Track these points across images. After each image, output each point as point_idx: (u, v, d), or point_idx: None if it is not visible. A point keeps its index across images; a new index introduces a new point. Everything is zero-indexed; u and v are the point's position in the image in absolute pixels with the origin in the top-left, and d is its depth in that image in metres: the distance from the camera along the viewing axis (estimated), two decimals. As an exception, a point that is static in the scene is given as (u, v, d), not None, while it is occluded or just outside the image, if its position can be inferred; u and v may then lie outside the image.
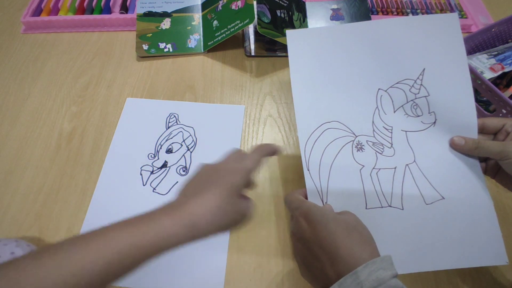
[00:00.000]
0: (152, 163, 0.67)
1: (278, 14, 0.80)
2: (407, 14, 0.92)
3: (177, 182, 0.65)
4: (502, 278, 0.56)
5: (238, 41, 0.87)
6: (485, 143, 0.46)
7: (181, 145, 0.70)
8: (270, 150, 0.46)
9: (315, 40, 0.51)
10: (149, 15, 0.86)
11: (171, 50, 0.84)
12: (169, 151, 0.69)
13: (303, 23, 0.87)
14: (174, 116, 0.73)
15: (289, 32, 0.51)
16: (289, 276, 0.56)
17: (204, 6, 0.88)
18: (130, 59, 0.84)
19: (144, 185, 0.65)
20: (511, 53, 0.73)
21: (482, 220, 0.47)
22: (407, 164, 0.49)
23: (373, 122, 0.50)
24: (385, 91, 0.50)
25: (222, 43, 0.81)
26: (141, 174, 0.66)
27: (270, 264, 0.57)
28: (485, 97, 0.65)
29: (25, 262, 0.30)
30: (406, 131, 0.49)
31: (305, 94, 0.50)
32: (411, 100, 0.49)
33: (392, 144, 0.49)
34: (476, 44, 0.77)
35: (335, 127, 0.50)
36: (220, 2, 0.83)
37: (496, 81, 0.73)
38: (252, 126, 0.73)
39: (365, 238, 0.41)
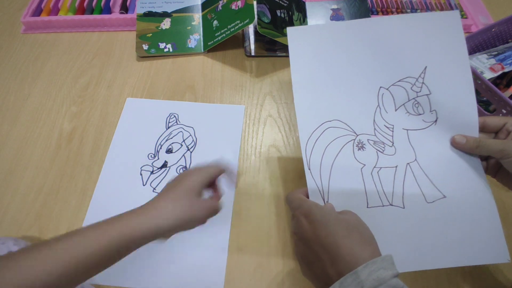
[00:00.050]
0: (152, 163, 0.67)
1: (278, 14, 0.80)
2: (407, 14, 0.92)
3: (177, 182, 0.65)
4: (503, 277, 0.56)
5: (238, 41, 0.87)
6: (486, 141, 0.46)
7: (181, 145, 0.70)
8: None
9: (316, 37, 0.51)
10: (149, 15, 0.86)
11: (171, 50, 0.84)
12: (169, 151, 0.69)
13: (303, 23, 0.87)
14: (174, 116, 0.73)
15: (290, 29, 0.51)
16: (289, 276, 0.56)
17: (204, 6, 0.88)
18: (130, 59, 0.84)
19: (144, 185, 0.65)
20: (511, 53, 0.73)
21: (484, 218, 0.47)
22: (408, 163, 0.49)
23: (374, 120, 0.49)
24: (387, 89, 0.50)
25: (222, 43, 0.81)
26: (141, 174, 0.66)
27: (270, 264, 0.57)
28: (485, 97, 0.65)
29: (2, 261, 0.35)
30: (407, 130, 0.49)
31: (305, 92, 0.50)
32: (413, 99, 0.49)
33: (393, 143, 0.49)
34: (476, 44, 0.77)
35: (336, 126, 0.50)
36: (220, 2, 0.83)
37: (496, 81, 0.73)
38: (252, 126, 0.73)
39: (366, 238, 0.41)
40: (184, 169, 0.67)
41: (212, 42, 0.82)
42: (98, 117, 0.74)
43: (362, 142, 0.49)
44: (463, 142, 0.47)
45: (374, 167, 0.49)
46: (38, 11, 0.91)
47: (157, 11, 0.87)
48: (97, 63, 0.83)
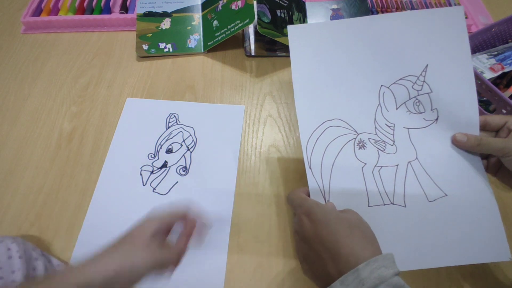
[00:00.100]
0: (152, 163, 0.67)
1: (278, 14, 0.80)
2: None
3: (177, 182, 0.65)
4: (503, 277, 0.56)
5: (238, 41, 0.87)
6: (487, 140, 0.46)
7: (181, 145, 0.70)
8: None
9: (317, 35, 0.51)
10: (149, 15, 0.86)
11: (171, 50, 0.84)
12: (169, 151, 0.69)
13: (303, 23, 0.87)
14: (174, 116, 0.73)
15: (290, 28, 0.51)
16: (289, 276, 0.56)
17: (204, 6, 0.88)
18: (130, 59, 0.84)
19: (144, 185, 0.65)
20: (511, 53, 0.73)
21: (485, 216, 0.47)
22: (409, 162, 0.49)
23: (375, 119, 0.49)
24: (388, 87, 0.50)
25: (222, 43, 0.81)
26: (141, 174, 0.66)
27: (271, 264, 0.57)
28: (485, 97, 0.65)
29: None
30: (408, 128, 0.49)
31: (306, 91, 0.50)
32: (414, 97, 0.49)
33: (394, 142, 0.49)
34: (476, 44, 0.77)
35: (337, 125, 0.49)
36: (220, 2, 0.83)
37: (496, 81, 0.73)
38: (252, 126, 0.73)
39: (367, 237, 0.41)
40: (184, 169, 0.67)
41: (212, 42, 0.82)
42: (98, 117, 0.74)
43: (363, 141, 0.49)
44: (464, 140, 0.47)
45: (375, 166, 0.49)
46: (38, 11, 0.91)
47: (157, 11, 0.87)
48: (97, 63, 0.83)
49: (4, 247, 0.48)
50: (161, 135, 0.71)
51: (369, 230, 0.42)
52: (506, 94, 0.67)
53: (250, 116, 0.74)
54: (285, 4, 0.83)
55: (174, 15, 0.87)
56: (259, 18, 0.75)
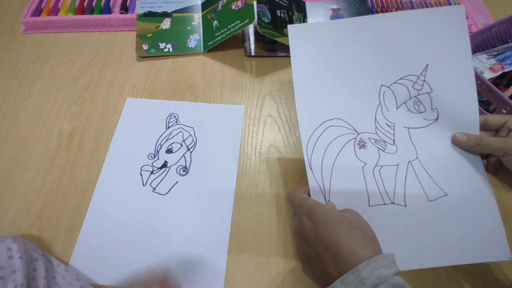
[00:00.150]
0: (152, 163, 0.67)
1: (278, 14, 0.80)
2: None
3: (177, 182, 0.65)
4: (503, 276, 0.56)
5: (238, 41, 0.87)
6: (487, 139, 0.46)
7: (181, 145, 0.70)
8: None
9: (317, 35, 0.51)
10: (149, 15, 0.86)
11: (171, 50, 0.84)
12: (169, 151, 0.69)
13: (303, 23, 0.87)
14: (174, 116, 0.73)
15: (291, 27, 0.51)
16: (289, 276, 0.56)
17: (204, 6, 0.88)
18: (130, 59, 0.84)
19: (144, 185, 0.65)
20: (511, 53, 0.74)
21: (485, 216, 0.47)
22: (410, 161, 0.49)
23: (375, 119, 0.49)
24: (388, 87, 0.50)
25: (222, 43, 0.81)
26: (141, 174, 0.66)
27: (271, 264, 0.57)
28: (485, 97, 0.65)
29: None
30: (408, 128, 0.49)
31: (307, 90, 0.50)
32: (414, 97, 0.49)
33: (394, 141, 0.49)
34: (476, 44, 0.77)
35: (337, 125, 0.49)
36: (220, 2, 0.83)
37: (496, 81, 0.73)
38: (252, 126, 0.73)
39: (368, 236, 0.41)
40: (184, 169, 0.67)
41: (212, 42, 0.82)
42: (98, 117, 0.74)
43: (363, 140, 0.49)
44: (464, 140, 0.47)
45: (376, 165, 0.49)
46: (38, 11, 0.91)
47: (157, 11, 0.87)
48: (97, 63, 0.83)
49: (5, 247, 0.48)
50: (161, 135, 0.71)
51: (370, 229, 0.42)
52: (506, 94, 0.67)
53: (250, 116, 0.74)
54: (285, 4, 0.83)
55: (174, 15, 0.87)
56: (259, 18, 0.75)
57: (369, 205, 0.48)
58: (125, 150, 0.69)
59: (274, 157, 0.68)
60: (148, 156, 0.68)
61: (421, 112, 0.49)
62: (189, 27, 0.86)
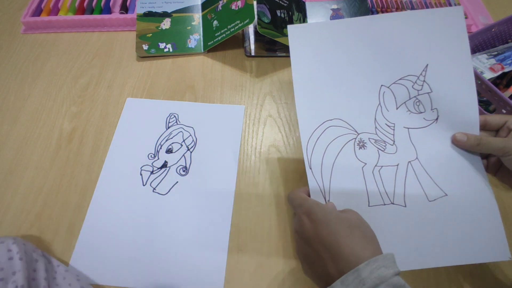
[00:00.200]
0: (152, 163, 0.67)
1: (278, 14, 0.80)
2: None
3: (177, 182, 0.65)
4: (503, 276, 0.56)
5: (238, 41, 0.87)
6: (487, 139, 0.46)
7: (181, 145, 0.70)
8: None
9: (317, 35, 0.51)
10: (149, 15, 0.86)
11: (171, 50, 0.84)
12: (169, 151, 0.69)
13: (303, 23, 0.87)
14: (174, 116, 0.73)
15: (290, 27, 0.51)
16: (290, 276, 0.56)
17: (204, 6, 0.88)
18: (130, 59, 0.84)
19: (144, 185, 0.65)
20: (511, 53, 0.73)
21: (485, 216, 0.47)
22: (410, 161, 0.49)
23: (375, 119, 0.49)
24: (388, 87, 0.50)
25: (222, 43, 0.81)
26: (141, 174, 0.66)
27: (271, 264, 0.57)
28: (485, 97, 0.65)
29: None
30: (408, 128, 0.49)
31: (306, 90, 0.50)
32: (414, 97, 0.49)
33: (394, 141, 0.49)
34: (476, 44, 0.77)
35: (337, 125, 0.49)
36: (220, 2, 0.83)
37: (496, 81, 0.73)
38: (252, 126, 0.73)
39: (368, 237, 0.41)
40: (184, 169, 0.67)
41: (212, 42, 0.82)
42: (98, 117, 0.74)
43: (363, 140, 0.49)
44: (464, 140, 0.47)
45: (375, 165, 0.49)
46: (38, 11, 0.91)
47: (157, 11, 0.87)
48: (97, 63, 0.83)
49: (5, 248, 0.48)
50: (161, 135, 0.71)
51: (370, 230, 0.42)
52: (506, 94, 0.67)
53: (250, 116, 0.74)
54: (285, 4, 0.83)
55: (174, 15, 0.87)
56: (259, 18, 0.75)
57: (369, 205, 0.48)
58: (125, 150, 0.69)
59: (274, 157, 0.68)
60: (148, 156, 0.68)
61: (421, 112, 0.49)
62: (189, 27, 0.86)
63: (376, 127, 0.49)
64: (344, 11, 0.89)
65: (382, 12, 0.92)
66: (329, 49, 0.51)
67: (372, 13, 0.91)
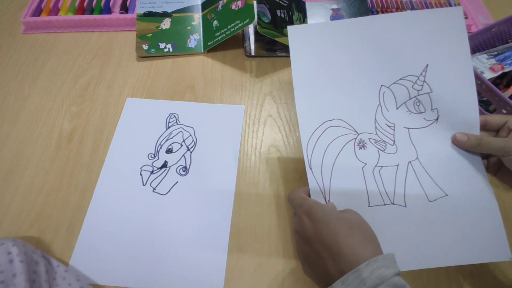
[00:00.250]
0: (152, 163, 0.67)
1: (278, 14, 0.80)
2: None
3: (177, 182, 0.65)
4: (503, 276, 0.56)
5: (238, 41, 0.87)
6: (487, 139, 0.46)
7: (181, 145, 0.70)
8: None
9: (317, 36, 0.51)
10: (149, 15, 0.86)
11: (171, 50, 0.84)
12: (169, 151, 0.69)
13: (303, 23, 0.87)
14: (174, 116, 0.73)
15: (290, 28, 0.51)
16: (290, 276, 0.56)
17: (204, 6, 0.88)
18: (130, 59, 0.84)
19: (144, 185, 0.65)
20: (511, 53, 0.73)
21: (485, 216, 0.47)
22: (410, 161, 0.49)
23: (375, 119, 0.49)
24: (388, 87, 0.50)
25: (222, 43, 0.81)
26: (141, 174, 0.66)
27: (271, 264, 0.57)
28: (485, 97, 0.65)
29: None
30: (408, 128, 0.49)
31: (306, 91, 0.50)
32: (414, 97, 0.49)
33: (394, 142, 0.49)
34: (476, 44, 0.77)
35: (337, 125, 0.50)
36: (220, 2, 0.83)
37: (496, 81, 0.73)
38: (252, 126, 0.72)
39: (368, 237, 0.41)
40: (184, 169, 0.67)
41: (212, 42, 0.82)
42: (98, 117, 0.74)
43: (363, 141, 0.49)
44: (464, 140, 0.47)
45: (376, 166, 0.49)
46: (38, 11, 0.91)
47: (157, 11, 0.87)
48: (97, 63, 0.83)
49: (5, 251, 0.48)
50: (161, 135, 0.71)
51: (370, 230, 0.42)
52: (506, 94, 0.67)
53: (250, 116, 0.74)
54: (285, 4, 0.83)
55: (174, 15, 0.87)
56: (259, 18, 0.75)
57: (369, 206, 0.48)
58: (125, 150, 0.69)
59: (274, 157, 0.68)
60: (148, 156, 0.68)
61: (421, 113, 0.49)
62: (189, 27, 0.86)
63: (376, 127, 0.49)
64: (344, 11, 0.89)
65: (382, 12, 0.93)
66: (329, 49, 0.51)
67: (372, 13, 0.91)
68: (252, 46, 0.85)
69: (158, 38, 0.84)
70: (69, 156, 0.68)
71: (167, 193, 0.64)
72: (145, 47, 0.83)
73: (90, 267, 0.57)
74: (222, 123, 0.73)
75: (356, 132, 0.49)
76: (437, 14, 0.49)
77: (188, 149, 0.69)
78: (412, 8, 0.93)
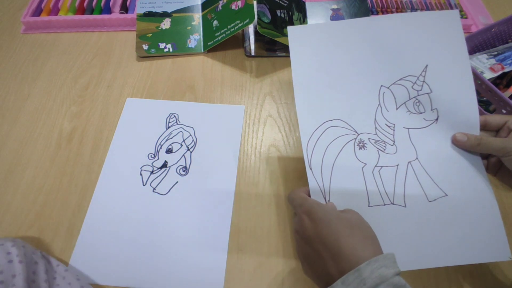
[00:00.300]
0: (152, 163, 0.67)
1: (278, 14, 0.80)
2: (407, 15, 0.92)
3: (177, 182, 0.65)
4: (503, 276, 0.56)
5: (238, 41, 0.87)
6: (487, 139, 0.46)
7: (181, 145, 0.70)
8: None
9: (317, 36, 0.51)
10: (149, 15, 0.86)
11: (171, 50, 0.84)
12: (169, 151, 0.69)
13: (303, 23, 0.87)
14: (174, 116, 0.73)
15: (290, 29, 0.51)
16: (289, 276, 0.56)
17: (204, 6, 0.88)
18: (130, 59, 0.84)
19: (144, 185, 0.65)
20: (511, 53, 0.74)
21: (485, 216, 0.47)
22: (410, 162, 0.49)
23: (375, 119, 0.50)
24: (388, 88, 0.50)
25: (222, 43, 0.81)
26: (141, 174, 0.66)
27: (271, 264, 0.57)
28: (485, 97, 0.65)
29: None
30: (408, 128, 0.49)
31: (306, 91, 0.50)
32: (414, 97, 0.49)
33: (394, 142, 0.49)
34: (476, 44, 0.77)
35: (337, 125, 0.50)
36: (220, 2, 0.83)
37: (496, 81, 0.73)
38: (252, 126, 0.72)
39: (368, 236, 0.41)
40: (184, 169, 0.67)
41: (212, 42, 0.82)
42: (98, 117, 0.74)
43: (363, 141, 0.49)
44: (464, 140, 0.47)
45: (375, 166, 0.49)
46: (38, 11, 0.91)
47: (157, 11, 0.87)
48: (97, 63, 0.83)
49: (4, 251, 0.48)
50: (161, 135, 0.71)
51: (370, 230, 0.42)
52: (506, 94, 0.67)
53: (250, 116, 0.74)
54: (285, 4, 0.83)
55: (174, 15, 0.87)
56: (259, 18, 0.75)
57: (369, 206, 0.48)
58: (125, 150, 0.69)
59: (274, 157, 0.68)
60: (148, 156, 0.68)
61: (421, 113, 0.49)
62: (189, 27, 0.86)
63: (376, 128, 0.49)
64: (344, 11, 0.89)
65: (382, 12, 0.93)
66: (329, 50, 0.51)
67: (372, 13, 0.91)
68: (252, 46, 0.85)
69: (158, 38, 0.84)
70: (69, 156, 0.68)
71: (167, 193, 0.64)
72: (145, 47, 0.83)
73: (90, 266, 0.57)
74: (222, 123, 0.73)
75: (356, 132, 0.49)
76: (434, 16, 0.50)
77: (188, 149, 0.69)
78: (412, 8, 0.93)
